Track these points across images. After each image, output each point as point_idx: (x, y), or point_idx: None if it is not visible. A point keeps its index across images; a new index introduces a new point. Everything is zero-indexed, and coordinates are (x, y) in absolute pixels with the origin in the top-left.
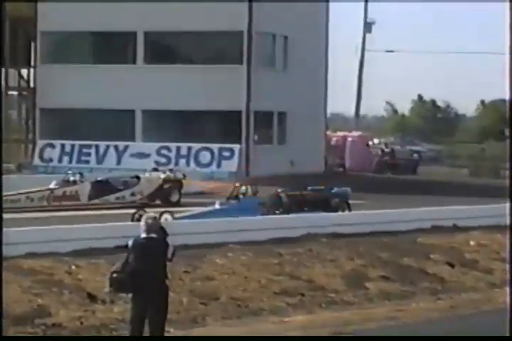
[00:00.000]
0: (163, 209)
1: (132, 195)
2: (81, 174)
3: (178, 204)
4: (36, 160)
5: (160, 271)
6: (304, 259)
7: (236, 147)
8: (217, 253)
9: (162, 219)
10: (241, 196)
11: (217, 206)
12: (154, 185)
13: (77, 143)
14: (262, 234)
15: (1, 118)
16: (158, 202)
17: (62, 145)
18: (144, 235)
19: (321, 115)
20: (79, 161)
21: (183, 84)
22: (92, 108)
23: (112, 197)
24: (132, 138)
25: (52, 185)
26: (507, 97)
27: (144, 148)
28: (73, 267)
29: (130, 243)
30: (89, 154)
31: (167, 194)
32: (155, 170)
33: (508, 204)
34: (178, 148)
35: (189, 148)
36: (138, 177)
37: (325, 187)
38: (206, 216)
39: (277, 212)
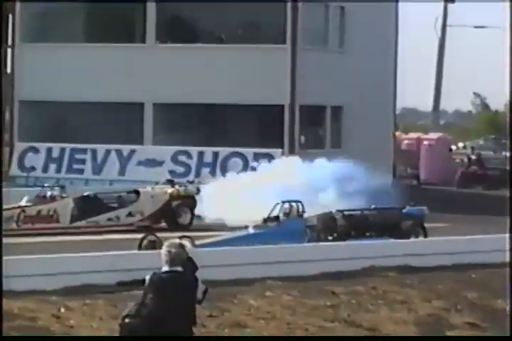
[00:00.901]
0: (179, 234)
1: (129, 215)
2: (62, 187)
3: (189, 227)
4: (14, 169)
5: (186, 315)
6: (366, 300)
7: (277, 152)
8: (251, 291)
9: None
10: (282, 216)
11: (250, 230)
12: (159, 202)
13: (68, 146)
14: (310, 267)
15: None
16: (163, 224)
17: (49, 150)
18: (166, 268)
19: (388, 110)
20: (70, 170)
21: (208, 70)
22: (87, 101)
23: (102, 218)
24: (140, 141)
25: (23, 202)
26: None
27: (156, 153)
28: (62, 310)
29: (147, 278)
30: (83, 161)
31: (175, 214)
32: (170, 182)
33: None
34: (201, 154)
35: (215, 154)
36: (137, 192)
37: (393, 206)
38: (236, 243)
39: (330, 237)
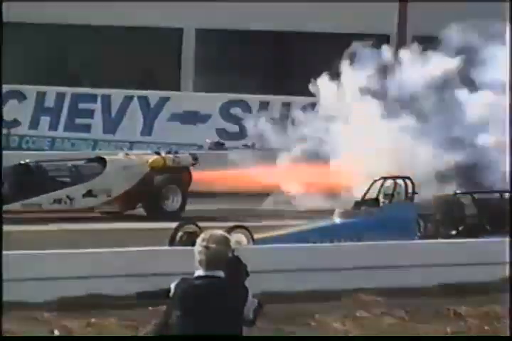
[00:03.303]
0: (231, 223)
1: (89, 194)
2: None
3: (179, 215)
4: None
5: None
6: (506, 326)
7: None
8: (336, 310)
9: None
10: (383, 199)
11: (336, 218)
12: (134, 176)
13: (70, 91)
14: (423, 276)
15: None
16: (140, 209)
17: (40, 95)
18: (200, 272)
19: None
20: (71, 127)
21: None
22: (98, 24)
23: (46, 200)
24: (176, 85)
25: None
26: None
27: (199, 103)
28: (56, 332)
29: (173, 287)
30: (91, 113)
31: (159, 195)
32: (219, 145)
33: None
34: (264, 105)
35: (286, 106)
36: (102, 161)
37: None
38: (315, 237)
39: (454, 232)
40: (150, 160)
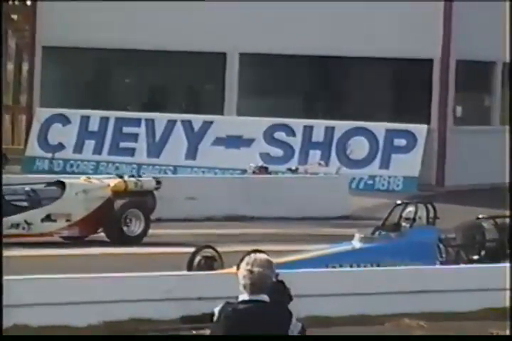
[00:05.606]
0: (249, 248)
1: (48, 219)
2: None
3: (140, 240)
4: (33, 147)
5: None
6: None
7: (420, 129)
8: (380, 334)
9: None
10: (404, 224)
11: (356, 243)
12: (95, 200)
13: (114, 114)
14: (465, 300)
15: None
16: (101, 233)
17: (84, 119)
18: (244, 296)
19: None
20: (115, 151)
21: (322, 8)
22: (143, 49)
23: (3, 224)
24: (219, 109)
25: None
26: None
27: (243, 127)
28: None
29: (217, 311)
30: (135, 137)
31: (119, 219)
32: (263, 169)
33: None
34: (309, 130)
35: (329, 130)
36: (61, 185)
37: None
38: (334, 262)
39: (475, 257)
40: (111, 184)
